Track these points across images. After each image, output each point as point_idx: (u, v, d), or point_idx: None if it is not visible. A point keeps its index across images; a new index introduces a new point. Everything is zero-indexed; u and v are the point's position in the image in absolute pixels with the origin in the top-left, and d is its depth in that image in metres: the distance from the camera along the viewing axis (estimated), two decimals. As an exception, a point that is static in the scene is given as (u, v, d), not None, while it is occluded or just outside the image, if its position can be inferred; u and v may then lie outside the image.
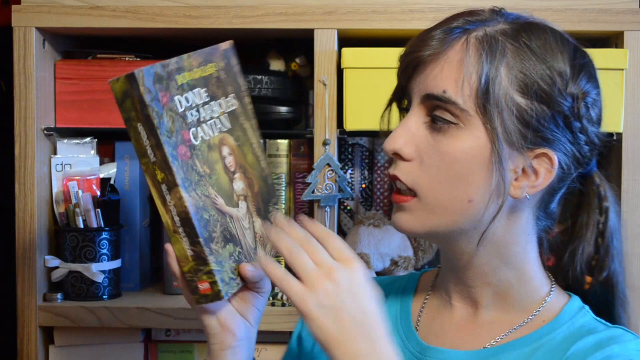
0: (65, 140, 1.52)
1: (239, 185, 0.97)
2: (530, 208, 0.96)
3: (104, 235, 1.49)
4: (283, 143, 1.53)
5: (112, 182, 1.53)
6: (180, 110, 0.91)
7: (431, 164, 0.93)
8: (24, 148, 1.46)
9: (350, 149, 1.54)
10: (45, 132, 1.49)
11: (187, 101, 0.92)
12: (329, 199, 1.43)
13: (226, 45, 1.00)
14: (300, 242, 0.87)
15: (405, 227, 0.96)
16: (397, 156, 0.95)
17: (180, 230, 0.91)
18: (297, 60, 1.59)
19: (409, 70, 0.95)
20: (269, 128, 1.54)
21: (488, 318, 0.99)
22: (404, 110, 1.00)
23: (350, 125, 1.41)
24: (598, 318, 0.97)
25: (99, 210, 1.48)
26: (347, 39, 1.47)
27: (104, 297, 1.49)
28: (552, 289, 0.99)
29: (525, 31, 0.93)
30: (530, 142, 0.92)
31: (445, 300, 1.03)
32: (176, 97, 0.91)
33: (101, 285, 1.49)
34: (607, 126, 1.37)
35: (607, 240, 1.01)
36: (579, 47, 0.97)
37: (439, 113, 0.92)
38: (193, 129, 0.92)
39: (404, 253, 1.48)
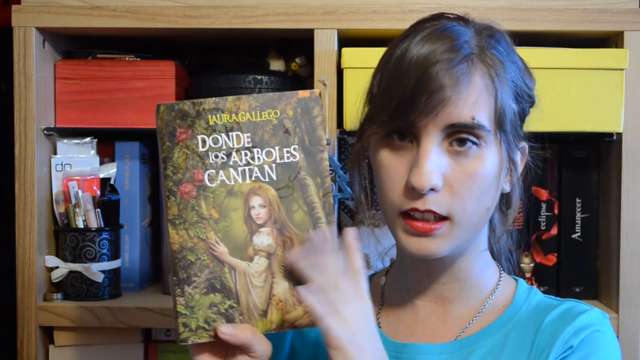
0: (65, 140, 1.52)
1: (262, 239, 0.93)
2: None
3: (104, 235, 1.49)
4: (283, 143, 1.53)
5: (112, 182, 1.53)
6: (201, 149, 0.91)
7: (461, 188, 0.95)
8: (24, 148, 1.46)
9: (350, 149, 1.54)
10: (45, 132, 1.49)
11: (215, 143, 0.92)
12: (329, 199, 1.43)
13: (306, 93, 0.94)
14: (315, 249, 0.91)
15: (436, 253, 0.97)
16: (431, 190, 0.94)
17: (170, 265, 0.92)
18: (297, 60, 1.59)
19: (432, 108, 0.92)
20: (269, 128, 1.54)
21: (453, 311, 1.03)
22: (400, 139, 0.97)
23: (350, 125, 1.40)
24: (546, 295, 1.05)
25: (99, 210, 1.48)
26: (347, 39, 1.47)
27: (104, 297, 1.49)
28: (502, 275, 1.06)
29: (496, 39, 0.98)
30: (518, 142, 1.00)
31: (406, 299, 1.06)
32: (200, 136, 0.91)
33: (101, 285, 1.49)
34: (607, 126, 1.39)
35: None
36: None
37: (464, 137, 0.94)
38: (211, 171, 0.92)
39: (404, 253, 1.48)
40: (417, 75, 0.92)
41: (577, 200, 1.49)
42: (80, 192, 1.47)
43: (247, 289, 0.93)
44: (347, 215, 1.55)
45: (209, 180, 0.92)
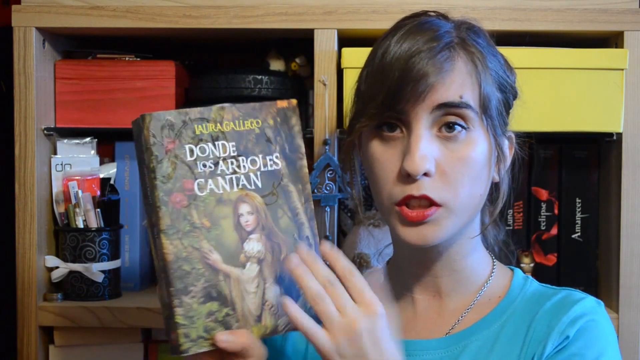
0: (65, 140, 1.52)
1: (253, 246, 0.94)
2: None
3: (104, 235, 1.49)
4: (283, 143, 1.53)
5: (112, 182, 1.53)
6: (189, 159, 0.92)
7: (453, 173, 0.96)
8: (24, 148, 1.46)
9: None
10: (45, 132, 1.49)
11: (203, 152, 0.93)
12: (329, 199, 1.43)
13: (284, 103, 0.98)
14: (324, 285, 0.89)
15: (430, 240, 0.98)
16: (424, 176, 0.96)
17: (162, 276, 0.91)
18: (297, 60, 1.59)
19: (419, 95, 0.95)
20: (269, 128, 1.54)
21: (450, 304, 1.05)
22: (389, 130, 0.99)
23: (350, 125, 1.40)
24: (542, 284, 1.07)
25: (99, 210, 1.48)
26: (347, 39, 1.47)
27: (104, 297, 1.49)
28: (495, 265, 1.07)
29: (475, 32, 1.01)
30: (505, 129, 1.02)
31: (405, 294, 1.07)
32: (187, 146, 0.92)
33: (101, 285, 1.49)
34: (607, 126, 1.39)
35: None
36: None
37: (453, 120, 0.96)
38: (200, 180, 0.92)
39: (404, 253, 1.48)
40: (401, 67, 0.96)
41: (577, 200, 1.49)
42: (80, 192, 1.47)
43: (241, 295, 0.93)
44: (347, 215, 1.55)
45: (198, 189, 0.92)
